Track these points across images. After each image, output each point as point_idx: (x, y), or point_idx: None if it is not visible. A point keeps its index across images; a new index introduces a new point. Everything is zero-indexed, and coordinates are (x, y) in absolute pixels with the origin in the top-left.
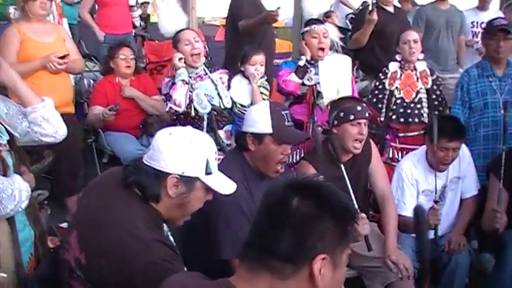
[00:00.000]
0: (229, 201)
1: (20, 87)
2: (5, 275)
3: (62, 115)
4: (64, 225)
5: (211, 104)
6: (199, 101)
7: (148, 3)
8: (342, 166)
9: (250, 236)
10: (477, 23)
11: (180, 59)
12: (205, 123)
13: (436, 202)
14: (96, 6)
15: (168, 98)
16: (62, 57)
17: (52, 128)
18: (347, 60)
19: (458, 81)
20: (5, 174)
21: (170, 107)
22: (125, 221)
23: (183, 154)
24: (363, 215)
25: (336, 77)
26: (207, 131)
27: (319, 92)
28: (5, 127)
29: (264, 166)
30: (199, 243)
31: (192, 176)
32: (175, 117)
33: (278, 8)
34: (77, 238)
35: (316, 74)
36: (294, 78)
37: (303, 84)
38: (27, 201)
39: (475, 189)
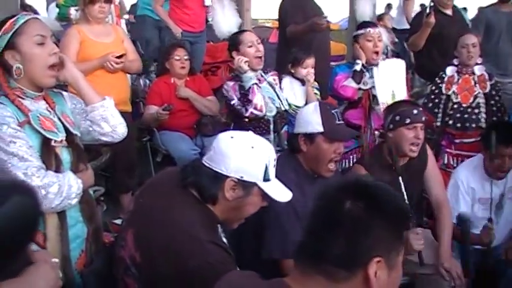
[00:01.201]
0: (285, 204)
1: (82, 85)
2: (57, 260)
3: (119, 113)
4: (118, 221)
5: (276, 107)
6: (266, 103)
7: None
8: (400, 178)
9: (304, 239)
10: None
11: (245, 61)
12: (271, 125)
13: (489, 220)
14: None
15: (246, 102)
16: (119, 57)
17: (110, 127)
18: (401, 63)
19: None
20: (57, 170)
21: (251, 112)
22: (181, 221)
23: (243, 158)
24: (419, 230)
25: (391, 81)
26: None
27: (374, 96)
28: (64, 124)
29: (317, 166)
30: (251, 243)
31: (250, 181)
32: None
33: (325, 17)
34: (133, 236)
35: (371, 77)
36: (351, 83)
37: (359, 88)
38: (78, 198)
39: None
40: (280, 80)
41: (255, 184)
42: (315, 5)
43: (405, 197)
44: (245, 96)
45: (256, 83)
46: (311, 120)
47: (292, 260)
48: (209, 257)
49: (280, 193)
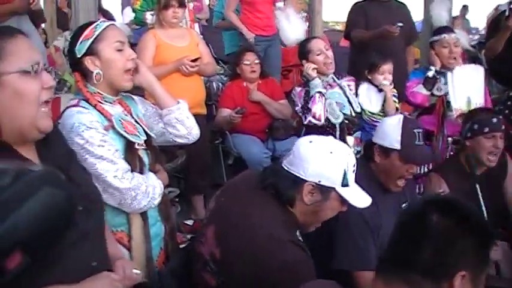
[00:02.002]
0: (352, 210)
1: (157, 89)
2: (139, 272)
3: (194, 116)
4: (189, 222)
5: (343, 113)
6: (332, 110)
7: None
8: (478, 186)
9: (387, 250)
10: None
11: (313, 68)
12: (337, 132)
13: None
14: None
15: (306, 110)
16: (194, 60)
17: (186, 129)
18: (480, 70)
19: None
20: (141, 172)
21: (309, 120)
22: (261, 222)
23: (322, 163)
24: (497, 242)
25: (467, 88)
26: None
27: (448, 103)
28: (143, 128)
29: (386, 179)
30: (323, 252)
31: (328, 185)
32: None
33: (398, 25)
34: (213, 233)
35: (446, 83)
36: (422, 90)
37: (432, 94)
38: (160, 198)
39: None
40: (357, 86)
41: (333, 189)
42: (381, 11)
43: (483, 206)
44: (307, 104)
45: (320, 91)
46: (390, 134)
47: (363, 272)
48: (288, 256)
49: (359, 199)
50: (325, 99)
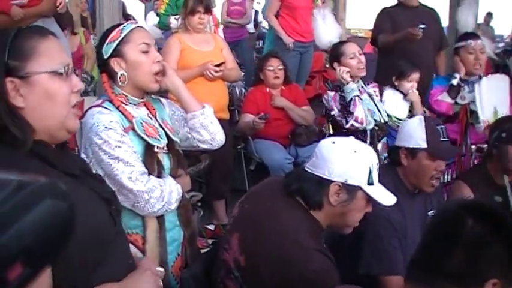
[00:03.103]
0: (379, 215)
1: (183, 93)
2: (162, 270)
3: (218, 120)
4: (211, 227)
5: (374, 120)
6: (366, 116)
7: None
8: (509, 188)
9: (417, 255)
10: None
11: (347, 72)
12: (368, 138)
13: None
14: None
15: (347, 114)
16: (219, 65)
17: (209, 135)
18: (505, 79)
19: None
20: (159, 175)
21: (352, 124)
22: (287, 228)
23: (347, 162)
24: None
25: (493, 99)
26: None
27: (472, 111)
28: (165, 131)
29: (418, 181)
30: (347, 256)
31: (354, 184)
32: (330, 131)
33: (421, 28)
34: (238, 240)
35: (470, 92)
36: (446, 98)
37: (456, 103)
38: (177, 203)
39: None
40: (381, 91)
41: (359, 188)
42: (410, 16)
43: None
44: (345, 108)
45: (357, 95)
46: (415, 134)
47: (391, 277)
48: (314, 265)
49: (385, 197)
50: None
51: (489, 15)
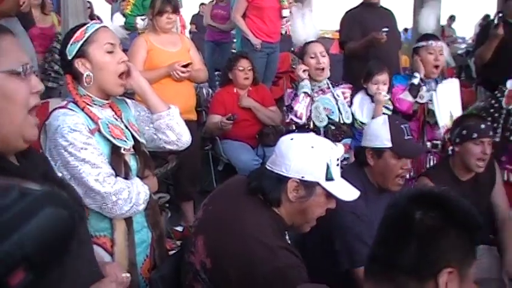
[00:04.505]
0: (349, 212)
1: (148, 94)
2: (128, 275)
3: (185, 122)
4: (179, 228)
5: (329, 118)
6: (317, 114)
7: None
8: None
9: (374, 250)
10: None
11: (304, 70)
12: (321, 136)
13: None
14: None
15: (289, 109)
16: (186, 66)
17: (176, 136)
18: (456, 83)
19: None
20: (126, 177)
21: (291, 119)
22: (252, 228)
23: (303, 158)
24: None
25: (448, 103)
26: None
27: (429, 110)
28: (131, 132)
29: (384, 180)
30: (316, 253)
31: (311, 180)
32: (294, 129)
33: (383, 30)
34: (203, 242)
35: (428, 91)
36: (407, 97)
37: (416, 102)
38: (145, 204)
39: None
40: (354, 94)
41: (317, 184)
42: (376, 17)
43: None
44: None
45: (306, 92)
46: (380, 134)
47: (362, 268)
48: (281, 263)
49: (346, 192)
50: (312, 101)
51: (451, 18)
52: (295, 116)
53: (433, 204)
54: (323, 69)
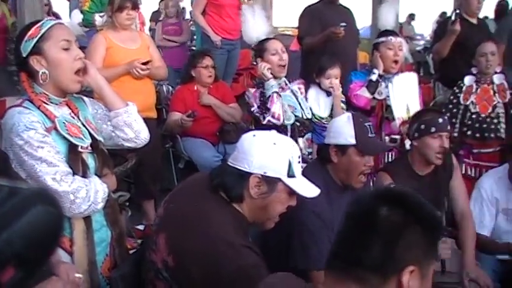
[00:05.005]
0: (309, 210)
1: (106, 91)
2: (81, 276)
3: (144, 119)
4: (140, 227)
5: (295, 115)
6: (284, 112)
7: None
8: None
9: (336, 247)
10: None
11: (268, 69)
12: (288, 133)
13: None
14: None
15: (264, 110)
16: (145, 63)
17: (133, 133)
18: (414, 77)
19: None
20: (84, 175)
21: (268, 120)
22: (214, 226)
23: (266, 154)
24: (448, 240)
25: (405, 96)
26: None
27: (388, 106)
28: (88, 130)
29: (347, 177)
30: (277, 251)
31: (274, 176)
32: (253, 127)
33: (341, 25)
34: (165, 240)
35: (387, 87)
36: (365, 93)
37: (374, 98)
38: (104, 202)
39: None
40: (307, 89)
41: (279, 180)
42: (335, 14)
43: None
44: (264, 104)
45: (276, 92)
46: (344, 131)
47: (319, 272)
48: (244, 261)
49: (307, 189)
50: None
51: (411, 16)
52: (273, 117)
53: (397, 202)
54: (285, 66)
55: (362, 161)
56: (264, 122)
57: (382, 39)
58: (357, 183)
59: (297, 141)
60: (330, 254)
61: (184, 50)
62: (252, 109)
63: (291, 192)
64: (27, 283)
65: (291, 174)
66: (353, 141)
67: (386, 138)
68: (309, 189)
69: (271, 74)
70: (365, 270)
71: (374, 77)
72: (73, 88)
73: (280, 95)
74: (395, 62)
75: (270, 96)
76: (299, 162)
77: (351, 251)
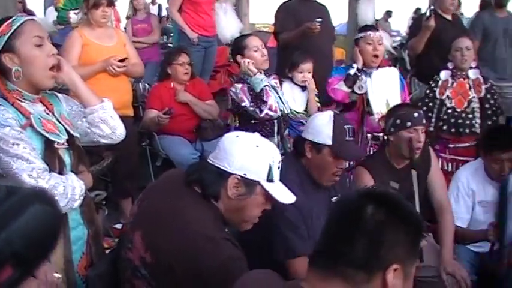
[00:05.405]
0: (289, 204)
1: (80, 88)
2: (59, 276)
3: (121, 117)
4: (118, 226)
5: (280, 110)
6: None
7: None
8: (414, 174)
9: (321, 243)
10: None
11: (252, 63)
12: (275, 128)
13: (493, 225)
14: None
15: (261, 104)
16: (121, 60)
17: (109, 129)
18: (395, 72)
19: None
20: (60, 172)
21: (266, 113)
22: (192, 221)
23: (247, 156)
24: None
25: (385, 90)
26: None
27: (369, 101)
28: (64, 126)
29: (319, 175)
30: (254, 243)
31: (253, 179)
32: (237, 124)
33: (317, 21)
34: (141, 237)
35: (367, 82)
36: (342, 87)
37: (353, 92)
38: (81, 200)
39: None
40: (281, 84)
41: (258, 183)
42: (310, 10)
43: (416, 198)
44: (258, 98)
45: (267, 85)
46: (322, 130)
47: (294, 259)
48: (224, 255)
49: (284, 195)
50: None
51: (387, 13)
52: (270, 109)
53: (381, 201)
54: (267, 60)
55: (335, 162)
56: (261, 115)
57: (361, 34)
58: (328, 182)
59: (283, 136)
60: (313, 252)
61: (157, 49)
62: (244, 104)
63: (268, 197)
64: (23, 282)
65: (270, 179)
66: (329, 142)
67: (369, 135)
68: (285, 196)
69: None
70: (349, 266)
71: (352, 71)
72: (47, 85)
73: (272, 87)
74: (375, 56)
75: (263, 89)
76: (279, 167)
77: (336, 248)
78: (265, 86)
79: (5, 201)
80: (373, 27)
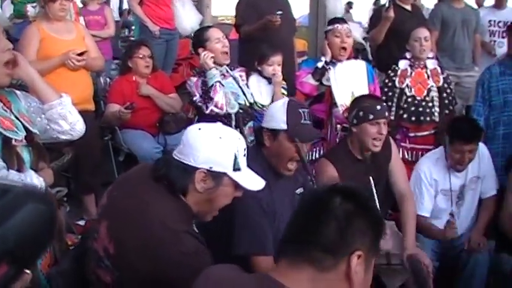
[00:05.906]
0: (249, 196)
1: (38, 84)
2: (29, 272)
3: (81, 112)
4: (81, 222)
5: (238, 103)
6: (228, 100)
7: None
8: (371, 179)
9: (288, 233)
10: (494, 21)
11: (211, 57)
12: (233, 122)
13: (452, 215)
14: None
15: (208, 100)
16: (81, 54)
17: (69, 125)
18: (362, 64)
19: (479, 78)
20: (19, 170)
21: (211, 110)
22: (156, 213)
23: (211, 149)
24: (387, 231)
25: (350, 83)
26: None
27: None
28: (22, 123)
29: (277, 162)
30: (219, 238)
31: (219, 171)
32: (196, 117)
33: (277, 14)
34: (106, 228)
35: None
36: (310, 80)
37: (322, 84)
38: None
39: (495, 189)
40: (248, 77)
41: (224, 174)
42: (271, 2)
43: (374, 191)
44: (207, 93)
45: (219, 81)
46: (276, 116)
47: (258, 257)
48: (185, 248)
49: (253, 182)
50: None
51: (348, 4)
52: (216, 106)
53: (349, 195)
54: (227, 52)
55: (293, 147)
56: (207, 112)
57: (330, 27)
58: (285, 170)
59: (242, 130)
60: (280, 242)
61: (109, 45)
62: (194, 98)
63: (237, 185)
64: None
65: (236, 168)
66: (284, 126)
67: (338, 126)
68: (254, 182)
69: (214, 63)
70: (318, 250)
71: (320, 64)
72: (3, 81)
73: (223, 84)
74: (343, 48)
75: (212, 85)
76: (244, 155)
77: (305, 234)
78: (216, 81)
79: (1, 198)
80: (342, 20)
